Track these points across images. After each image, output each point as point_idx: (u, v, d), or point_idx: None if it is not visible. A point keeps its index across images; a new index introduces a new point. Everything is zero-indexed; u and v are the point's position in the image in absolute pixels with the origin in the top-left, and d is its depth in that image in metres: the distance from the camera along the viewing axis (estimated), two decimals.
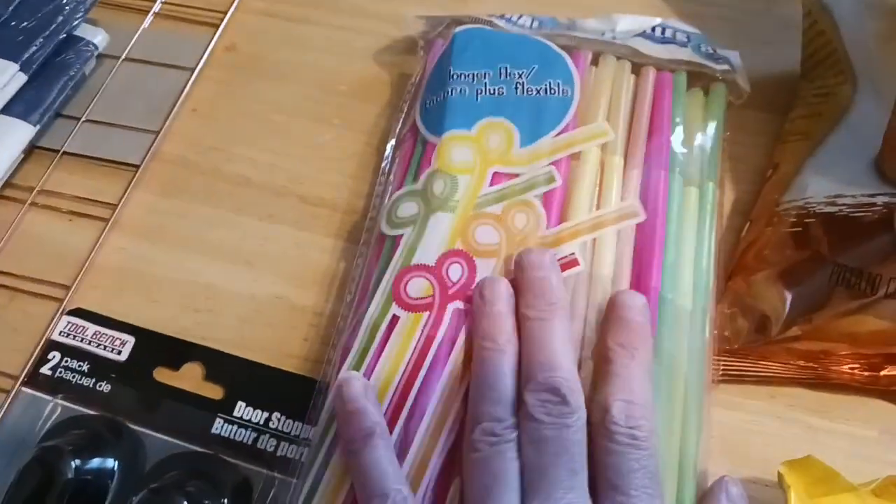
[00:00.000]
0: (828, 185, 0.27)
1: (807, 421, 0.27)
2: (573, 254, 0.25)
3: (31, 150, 0.33)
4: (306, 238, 0.31)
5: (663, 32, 0.33)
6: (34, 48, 0.32)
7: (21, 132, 0.31)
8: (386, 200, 0.28)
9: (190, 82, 0.35)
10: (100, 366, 0.27)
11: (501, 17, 0.33)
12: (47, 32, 0.32)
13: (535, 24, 0.33)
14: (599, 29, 0.33)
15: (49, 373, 0.27)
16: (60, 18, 0.33)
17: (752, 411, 0.27)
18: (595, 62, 0.31)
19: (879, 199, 0.25)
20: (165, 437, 0.26)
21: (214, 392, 0.27)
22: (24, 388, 0.27)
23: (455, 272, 0.25)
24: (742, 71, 0.32)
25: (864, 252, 0.25)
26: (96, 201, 0.32)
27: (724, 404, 0.27)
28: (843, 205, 0.26)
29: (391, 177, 0.29)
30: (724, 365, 0.26)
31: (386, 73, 0.35)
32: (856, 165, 0.27)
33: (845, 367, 0.26)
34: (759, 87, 0.34)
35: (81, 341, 0.28)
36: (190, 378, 0.27)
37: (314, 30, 0.37)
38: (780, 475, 0.21)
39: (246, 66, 0.36)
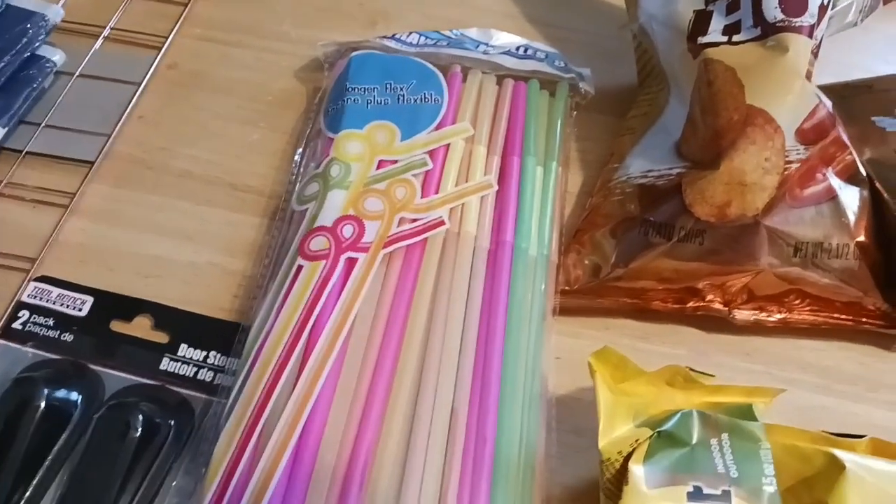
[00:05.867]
0: (643, 163, 0.35)
1: (633, 345, 0.34)
2: (440, 217, 0.33)
3: None
4: (237, 218, 0.37)
5: (525, 51, 0.41)
6: (3, 64, 0.38)
7: None
8: (298, 185, 0.35)
9: (137, 94, 0.41)
10: (63, 321, 0.33)
11: (393, 37, 0.41)
12: (14, 51, 0.38)
13: (423, 39, 0.41)
14: (478, 39, 0.41)
15: (20, 327, 0.33)
16: (25, 40, 0.39)
17: (591, 339, 0.34)
18: (466, 75, 0.39)
19: (675, 171, 0.34)
20: (121, 374, 0.32)
21: (161, 338, 0.33)
22: None
23: (348, 231, 0.32)
24: (589, 80, 0.41)
25: (663, 210, 0.33)
26: (57, 191, 0.37)
27: (569, 334, 0.34)
28: (652, 176, 0.34)
29: (301, 168, 0.36)
30: (567, 302, 0.34)
31: (303, 87, 0.43)
32: (664, 148, 0.35)
33: (658, 301, 0.34)
34: (607, 95, 0.42)
35: (47, 302, 0.34)
36: (141, 327, 0.33)
37: (245, 52, 0.44)
38: (589, 364, 0.28)
39: (186, 81, 0.43)
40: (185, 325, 0.33)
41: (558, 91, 0.39)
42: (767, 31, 0.32)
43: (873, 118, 0.38)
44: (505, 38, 0.42)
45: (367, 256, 0.32)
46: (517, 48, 0.41)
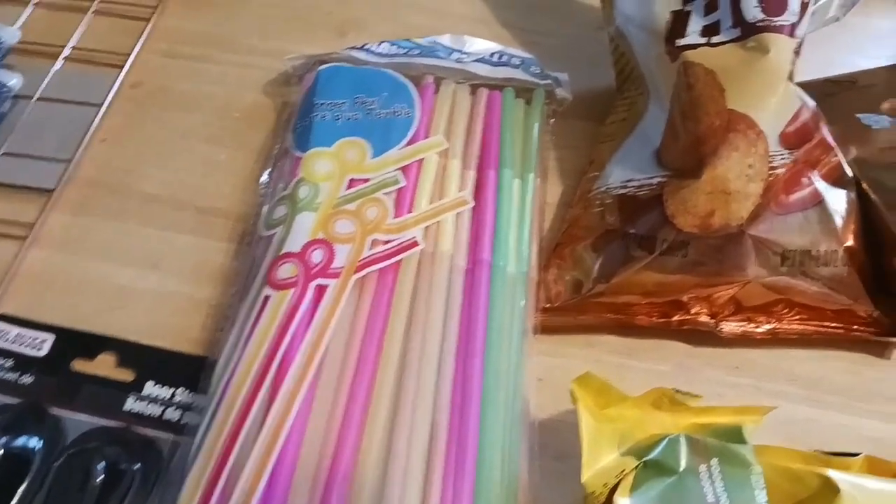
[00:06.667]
0: (623, 172, 0.34)
1: (618, 362, 0.33)
2: (413, 237, 0.31)
3: None
4: (204, 243, 0.36)
5: (500, 58, 0.40)
6: None
7: None
8: (265, 209, 0.33)
9: (98, 116, 0.40)
10: (22, 362, 0.32)
11: (363, 47, 0.39)
12: None
13: (394, 49, 0.39)
14: (451, 47, 0.40)
15: None
16: None
17: (574, 357, 0.33)
18: (439, 86, 0.37)
19: (655, 180, 0.32)
20: (83, 417, 0.30)
21: (126, 376, 0.32)
22: None
23: (317, 256, 0.31)
24: (566, 85, 0.40)
25: (644, 221, 0.32)
26: (15, 222, 0.36)
27: (551, 353, 0.33)
28: (632, 186, 0.33)
29: (269, 189, 0.35)
30: (549, 320, 0.33)
31: (272, 102, 0.41)
32: (644, 156, 0.34)
33: (643, 315, 0.33)
34: (586, 100, 0.41)
35: (5, 342, 0.32)
36: (104, 365, 0.32)
37: (212, 66, 0.43)
38: (571, 391, 0.27)
39: (151, 99, 0.41)
40: (151, 362, 0.32)
41: (534, 99, 0.38)
42: (747, 31, 0.31)
43: (858, 115, 0.37)
44: (479, 45, 0.41)
45: (338, 282, 0.30)
46: (492, 55, 0.40)
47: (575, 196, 0.36)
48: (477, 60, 0.39)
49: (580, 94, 0.40)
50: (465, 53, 0.40)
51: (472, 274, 0.31)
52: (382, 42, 0.40)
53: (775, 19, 0.30)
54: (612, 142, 0.37)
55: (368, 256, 0.31)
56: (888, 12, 0.47)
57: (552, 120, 0.39)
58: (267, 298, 0.30)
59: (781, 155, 0.30)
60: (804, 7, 0.31)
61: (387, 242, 0.31)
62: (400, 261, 0.31)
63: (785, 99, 0.31)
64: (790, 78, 0.32)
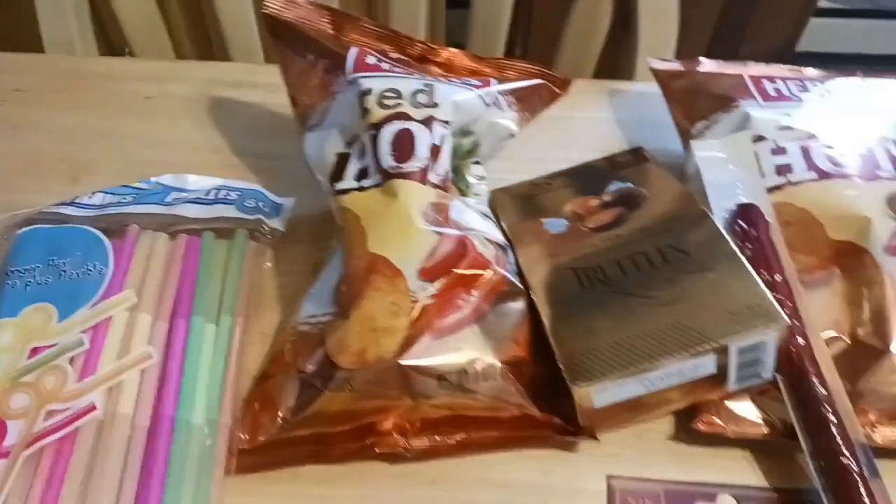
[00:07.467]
0: (310, 307, 0.36)
1: (321, 493, 0.34)
2: (91, 402, 0.32)
3: None
4: None
5: (218, 194, 0.42)
6: None
7: None
8: None
9: None
10: None
11: (73, 202, 0.40)
12: None
13: (107, 198, 0.41)
14: (172, 186, 0.41)
15: None
16: None
17: (277, 494, 0.34)
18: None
19: (325, 318, 0.34)
20: None
21: None
22: None
23: None
24: (288, 212, 0.41)
25: (316, 358, 0.34)
26: None
27: (254, 493, 0.34)
28: (311, 322, 0.35)
29: None
30: (250, 460, 0.34)
31: None
32: (326, 292, 0.36)
33: (337, 444, 0.34)
34: (310, 224, 0.43)
35: None
36: None
37: None
38: None
39: None
40: None
41: (236, 238, 0.39)
42: (384, 177, 0.34)
43: (542, 220, 0.40)
44: (201, 182, 0.42)
45: (7, 462, 0.31)
46: (209, 192, 0.41)
47: (280, 328, 0.38)
48: (190, 201, 0.41)
49: (310, 217, 0.42)
50: (185, 192, 0.42)
51: (154, 432, 0.32)
52: (96, 192, 0.41)
53: (403, 166, 0.33)
54: (315, 272, 0.39)
55: (43, 429, 0.32)
56: (600, 105, 0.51)
57: (269, 250, 0.41)
58: None
59: (425, 288, 0.33)
60: (436, 149, 0.34)
61: (64, 411, 0.32)
62: (77, 429, 0.32)
63: (418, 238, 0.34)
64: (443, 210, 0.34)
